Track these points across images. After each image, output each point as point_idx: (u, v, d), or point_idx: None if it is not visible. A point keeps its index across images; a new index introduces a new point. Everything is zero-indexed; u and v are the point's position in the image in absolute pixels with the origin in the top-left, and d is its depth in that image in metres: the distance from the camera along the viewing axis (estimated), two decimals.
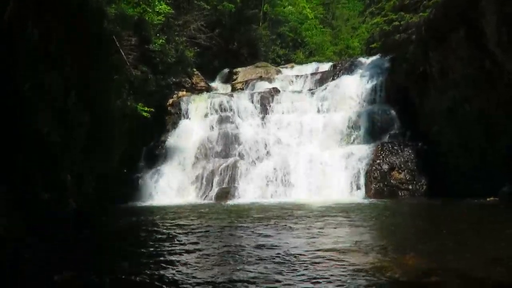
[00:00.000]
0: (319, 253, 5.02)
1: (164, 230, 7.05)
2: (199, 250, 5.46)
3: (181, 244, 5.84)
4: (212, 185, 13.29)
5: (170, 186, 13.57)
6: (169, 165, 14.40)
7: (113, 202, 11.74)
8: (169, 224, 7.70)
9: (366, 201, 11.12)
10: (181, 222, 7.94)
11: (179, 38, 17.76)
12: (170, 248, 5.56)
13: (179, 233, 6.77)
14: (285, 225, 7.10)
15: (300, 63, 26.67)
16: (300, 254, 5.03)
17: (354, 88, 15.73)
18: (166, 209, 10.67)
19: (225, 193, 12.74)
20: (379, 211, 8.99)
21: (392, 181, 12.00)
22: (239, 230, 6.92)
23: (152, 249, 5.58)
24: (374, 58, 17.91)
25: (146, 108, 14.02)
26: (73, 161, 9.05)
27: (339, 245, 5.40)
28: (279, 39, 30.66)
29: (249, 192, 12.71)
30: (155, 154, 14.87)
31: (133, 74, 13.87)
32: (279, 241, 5.80)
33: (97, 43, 9.31)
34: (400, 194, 11.79)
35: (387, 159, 12.47)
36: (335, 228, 6.79)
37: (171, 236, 6.53)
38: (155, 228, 7.38)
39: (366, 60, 18.13)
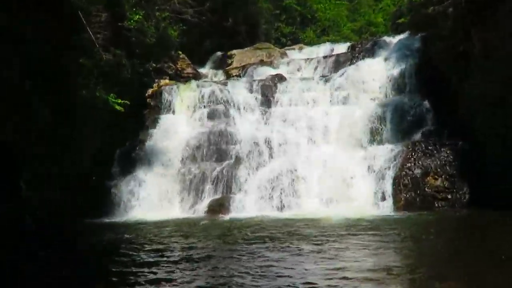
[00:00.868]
0: (341, 284, 4.87)
1: (138, 256, 6.90)
2: (186, 283, 5.29)
3: (158, 276, 5.65)
4: (202, 196, 13.22)
5: (150, 197, 13.49)
6: (149, 170, 14.29)
7: (82, 216, 11.74)
8: (146, 247, 7.57)
9: (394, 214, 11.07)
10: (162, 245, 7.80)
11: (161, 14, 17.60)
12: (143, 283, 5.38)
13: (159, 260, 6.60)
14: (296, 247, 7.01)
15: (311, 43, 26.57)
16: (316, 285, 4.86)
17: (378, 74, 15.62)
18: (145, 226, 10.55)
19: (218, 206, 12.68)
20: (412, 228, 8.90)
21: (426, 189, 11.96)
22: (237, 253, 6.80)
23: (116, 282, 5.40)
24: (401, 36, 17.71)
25: (119, 100, 13.86)
26: (31, 166, 8.95)
27: (365, 273, 5.28)
28: (284, 14, 30.56)
29: (248, 204, 12.64)
30: (131, 157, 14.73)
31: (103, 58, 13.66)
32: (289, 268, 5.70)
33: (58, 19, 9.16)
34: (436, 205, 11.73)
35: (420, 162, 12.39)
36: (358, 250, 6.67)
37: (146, 263, 6.37)
38: (127, 252, 7.23)
39: (392, 39, 17.94)
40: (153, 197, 13.53)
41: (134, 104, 14.96)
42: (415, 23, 18.57)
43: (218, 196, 13.12)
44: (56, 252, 7.58)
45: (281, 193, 12.81)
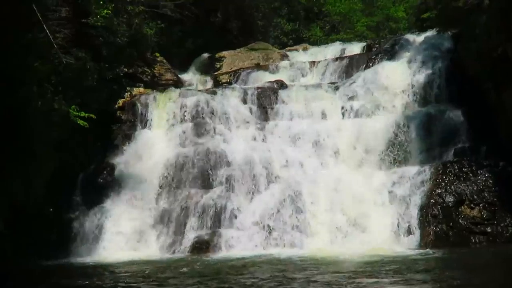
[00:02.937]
0: None
1: None
2: None
3: None
4: (184, 232, 13.19)
5: (120, 234, 13.44)
6: (119, 200, 14.29)
7: (36, 257, 11.70)
8: None
9: (421, 252, 10.99)
10: None
11: (134, 8, 17.54)
12: None
13: None
14: None
15: (318, 43, 26.69)
16: None
17: (400, 79, 15.74)
18: (111, 271, 10.43)
19: (205, 243, 12.66)
20: (445, 271, 8.80)
21: (460, 221, 11.97)
22: None
23: None
24: (428, 34, 17.88)
25: (82, 114, 13.84)
26: None
27: None
28: (286, 7, 30.69)
29: (242, 240, 12.62)
30: (97, 184, 14.73)
31: (63, 62, 13.44)
32: None
33: (6, 14, 9.11)
34: (473, 240, 11.72)
35: (452, 187, 12.42)
36: None
37: None
38: None
39: (416, 38, 18.07)
40: (124, 234, 13.49)
41: (101, 118, 14.91)
42: (444, 19, 18.65)
43: (204, 231, 13.09)
44: None
45: (282, 227, 12.79)
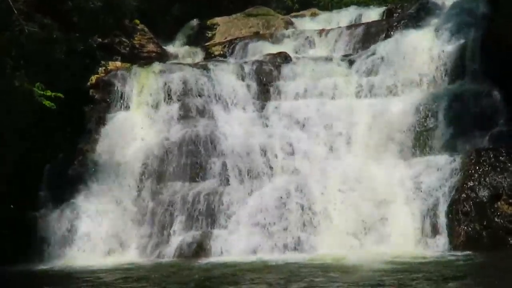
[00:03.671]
0: None
1: None
2: None
3: None
4: (170, 232, 13.24)
5: (94, 235, 13.52)
6: (93, 195, 14.35)
7: None
8: None
9: (451, 255, 10.97)
10: None
11: None
12: None
13: None
14: None
15: (329, 7, 26.52)
16: None
17: (426, 51, 15.71)
18: (82, 279, 10.41)
19: (194, 247, 12.67)
20: (479, 278, 8.81)
21: (496, 219, 11.86)
22: None
23: None
24: None
25: (49, 93, 13.91)
26: None
27: None
28: None
29: (238, 242, 12.63)
30: (67, 176, 14.75)
31: (25, 31, 13.54)
32: None
33: None
34: (511, 242, 11.57)
35: (487, 179, 12.29)
36: None
37: None
38: None
39: (446, 1, 18.01)
40: (98, 235, 13.55)
41: (71, 98, 14.98)
42: None
43: (193, 232, 13.10)
44: None
45: (286, 226, 12.80)
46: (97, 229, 13.62)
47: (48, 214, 13.97)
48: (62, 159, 15.17)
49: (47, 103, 13.89)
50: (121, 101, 16.23)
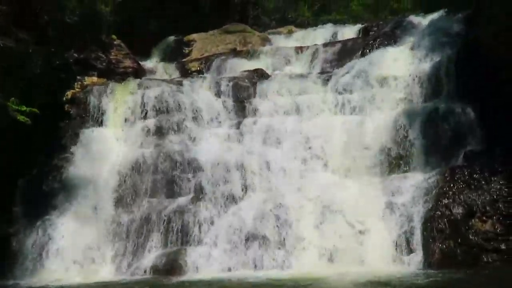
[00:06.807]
0: None
1: None
2: None
3: None
4: (145, 249, 13.18)
5: (68, 251, 13.41)
6: (67, 211, 14.23)
7: None
8: None
9: (425, 274, 10.95)
10: None
11: None
12: None
13: None
14: None
15: (305, 25, 26.64)
16: None
17: (402, 69, 15.81)
18: None
19: (169, 264, 12.60)
20: None
21: (471, 236, 11.92)
22: None
23: None
24: (435, 15, 17.96)
25: (23, 108, 13.83)
26: None
27: None
28: None
29: (213, 260, 12.60)
30: (41, 192, 14.65)
31: (1, 45, 13.61)
32: None
33: None
34: (485, 259, 11.66)
35: (461, 197, 12.38)
36: None
37: None
38: None
39: (422, 20, 18.20)
40: (73, 251, 13.43)
41: (46, 113, 14.87)
42: None
43: (168, 249, 13.06)
44: None
45: (261, 243, 12.76)
46: (72, 245, 13.49)
47: (22, 230, 13.88)
48: (37, 175, 15.06)
49: (21, 118, 13.80)
50: (97, 117, 16.21)
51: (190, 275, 12.13)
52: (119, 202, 14.33)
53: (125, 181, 14.57)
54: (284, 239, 12.83)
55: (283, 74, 17.95)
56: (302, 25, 26.90)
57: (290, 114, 15.92)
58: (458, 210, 12.18)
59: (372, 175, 13.95)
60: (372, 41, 18.20)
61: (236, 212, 13.56)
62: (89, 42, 17.83)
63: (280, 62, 19.23)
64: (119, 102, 16.37)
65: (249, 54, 19.83)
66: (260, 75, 17.27)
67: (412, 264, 11.78)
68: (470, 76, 14.70)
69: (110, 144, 15.58)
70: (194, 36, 22.03)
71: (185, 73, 20.01)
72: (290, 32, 23.38)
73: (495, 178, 12.61)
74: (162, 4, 23.05)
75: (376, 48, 17.57)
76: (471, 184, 12.60)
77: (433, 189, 12.73)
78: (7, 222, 14.03)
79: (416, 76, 15.53)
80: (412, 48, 16.49)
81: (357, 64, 16.67)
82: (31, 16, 15.31)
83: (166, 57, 21.96)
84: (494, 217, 12.07)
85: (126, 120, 16.13)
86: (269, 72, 17.81)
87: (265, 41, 21.84)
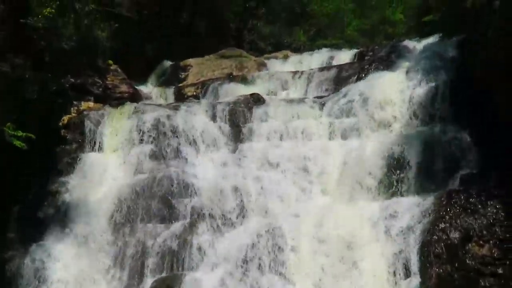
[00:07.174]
0: None
1: None
2: None
3: None
4: (142, 275, 13.13)
5: (64, 278, 13.33)
6: (63, 238, 14.17)
7: None
8: None
9: None
10: None
11: (83, 6, 17.59)
12: None
13: None
14: None
15: (301, 50, 26.78)
16: None
17: (397, 94, 15.81)
18: None
19: None
20: None
21: (468, 260, 11.85)
22: None
23: None
24: (430, 40, 18.12)
25: (20, 133, 13.86)
26: None
27: None
28: (263, 7, 30.82)
29: (209, 286, 12.48)
30: (37, 218, 14.60)
31: None
32: None
33: None
34: (482, 284, 11.55)
35: (458, 221, 12.33)
36: None
37: None
38: None
39: (417, 45, 18.29)
40: (68, 278, 13.35)
41: (42, 138, 14.89)
42: (448, 22, 18.84)
43: (165, 274, 13.01)
44: None
45: (257, 269, 12.71)
46: (67, 271, 13.43)
47: (16, 256, 13.80)
48: (32, 200, 15.02)
49: (17, 143, 13.80)
50: (93, 142, 16.17)
51: None
52: (115, 227, 14.24)
53: (121, 206, 14.49)
54: (280, 264, 12.77)
55: (279, 98, 18.06)
56: (298, 50, 27.03)
57: (286, 139, 15.92)
58: (455, 235, 12.13)
59: (369, 200, 13.89)
60: (367, 66, 18.24)
61: (232, 237, 13.51)
62: (86, 67, 17.88)
63: (276, 86, 19.29)
64: (115, 127, 16.35)
65: (245, 79, 19.90)
66: (257, 99, 17.30)
67: None
68: (465, 100, 14.72)
69: (106, 169, 15.55)
70: (190, 61, 22.08)
71: (181, 97, 20.06)
72: (286, 57, 23.45)
73: (492, 202, 12.54)
74: (158, 29, 23.12)
75: (372, 72, 17.59)
76: (468, 208, 12.54)
77: (429, 213, 12.68)
78: (2, 249, 13.97)
79: (412, 100, 15.52)
80: (407, 72, 16.48)
81: (353, 88, 16.71)
82: (27, 41, 15.35)
83: (162, 82, 22.04)
84: (491, 241, 11.99)
85: (122, 145, 16.09)
86: (265, 96, 17.82)
87: (261, 65, 21.91)
